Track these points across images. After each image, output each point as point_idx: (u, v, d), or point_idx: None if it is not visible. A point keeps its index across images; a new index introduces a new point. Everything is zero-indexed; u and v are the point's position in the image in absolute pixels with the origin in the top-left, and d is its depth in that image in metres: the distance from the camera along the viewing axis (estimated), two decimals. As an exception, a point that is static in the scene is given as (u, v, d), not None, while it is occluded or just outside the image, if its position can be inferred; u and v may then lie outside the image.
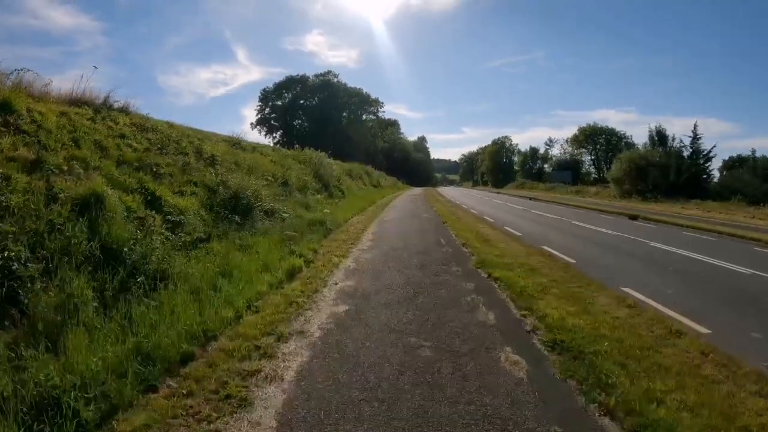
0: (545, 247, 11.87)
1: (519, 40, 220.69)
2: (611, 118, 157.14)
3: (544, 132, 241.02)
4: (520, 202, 37.09)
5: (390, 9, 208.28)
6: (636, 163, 48.50)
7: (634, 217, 22.67)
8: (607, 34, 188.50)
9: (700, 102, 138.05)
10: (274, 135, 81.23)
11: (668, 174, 45.70)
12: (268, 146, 22.06)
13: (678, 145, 48.66)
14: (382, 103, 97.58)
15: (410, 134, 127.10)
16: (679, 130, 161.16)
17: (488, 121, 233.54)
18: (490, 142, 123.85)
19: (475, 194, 56.73)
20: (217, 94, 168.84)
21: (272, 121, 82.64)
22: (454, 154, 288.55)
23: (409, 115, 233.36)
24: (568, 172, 75.74)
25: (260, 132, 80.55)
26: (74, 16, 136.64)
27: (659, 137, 51.63)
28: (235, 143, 17.62)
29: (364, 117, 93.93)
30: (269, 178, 15.24)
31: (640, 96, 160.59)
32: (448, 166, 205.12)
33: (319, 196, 18.66)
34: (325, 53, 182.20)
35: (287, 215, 12.63)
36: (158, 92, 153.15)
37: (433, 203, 30.32)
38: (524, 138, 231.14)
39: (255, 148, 19.35)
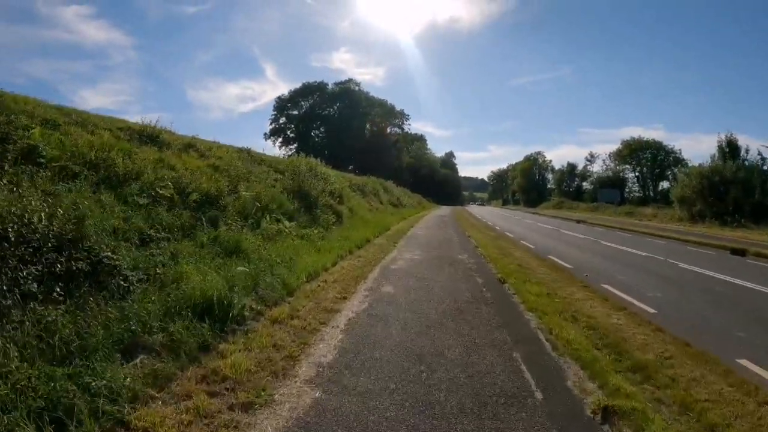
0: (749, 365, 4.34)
1: (545, 57, 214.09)
2: (639, 135, 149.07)
3: (570, 150, 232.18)
4: (572, 228, 29.51)
5: (417, 27, 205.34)
6: (709, 179, 39.62)
7: (740, 252, 16.45)
8: (633, 50, 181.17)
9: (730, 119, 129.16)
10: (291, 147, 75.10)
11: (752, 193, 37.09)
12: (227, 147, 14.98)
13: (755, 159, 40.26)
14: (408, 115, 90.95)
15: (437, 152, 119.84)
16: (706, 148, 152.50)
17: (515, 139, 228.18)
18: (518, 160, 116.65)
19: (512, 215, 48.49)
20: (245, 109, 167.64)
21: (288, 132, 76.66)
22: (480, 172, 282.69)
23: (436, 133, 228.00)
24: (617, 190, 66.45)
25: (274, 143, 74.64)
26: (107, 31, 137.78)
27: (730, 149, 42.71)
28: (144, 135, 10.58)
29: (388, 130, 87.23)
30: (163, 192, 8.02)
31: (667, 113, 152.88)
32: (475, 184, 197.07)
33: (287, 223, 11.32)
34: (352, 70, 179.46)
35: (138, 282, 5.29)
36: (188, 107, 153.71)
37: (467, 229, 22.60)
38: (551, 156, 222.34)
39: (191, 145, 12.26)
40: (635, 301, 8.13)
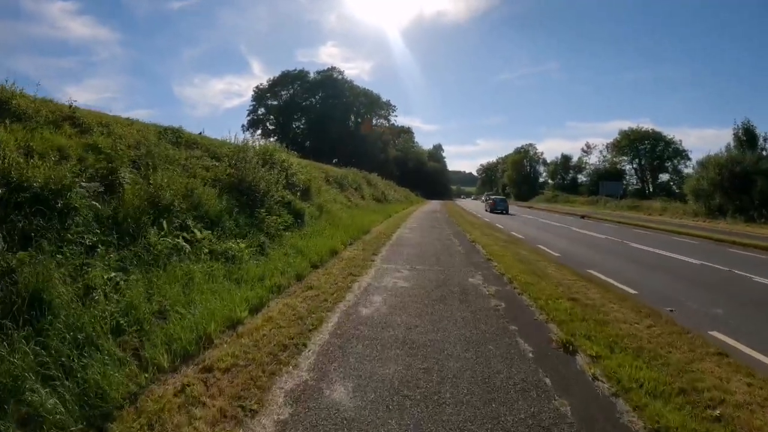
0: None
1: (532, 52, 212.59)
2: (628, 127, 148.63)
3: (558, 143, 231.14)
4: (583, 225, 26.41)
5: (404, 21, 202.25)
6: (730, 169, 35.96)
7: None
8: (620, 46, 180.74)
9: (717, 113, 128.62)
10: (270, 140, 70.32)
11: (782, 184, 33.76)
12: (141, 123, 10.80)
13: (775, 148, 37.33)
14: (394, 106, 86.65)
15: (424, 146, 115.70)
16: (694, 141, 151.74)
17: (503, 132, 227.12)
18: (506, 153, 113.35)
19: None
20: (231, 105, 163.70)
21: (267, 124, 71.87)
22: (468, 166, 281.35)
23: (423, 128, 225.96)
24: (619, 182, 63.15)
25: (252, 135, 69.75)
26: (92, 27, 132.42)
27: (748, 138, 39.48)
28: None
29: (374, 121, 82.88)
30: None
31: (654, 107, 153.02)
32: (463, 178, 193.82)
33: (199, 233, 7.16)
34: (339, 65, 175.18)
35: None
36: (175, 103, 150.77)
37: (467, 230, 18.50)
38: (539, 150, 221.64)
39: (70, 117, 8.02)
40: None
